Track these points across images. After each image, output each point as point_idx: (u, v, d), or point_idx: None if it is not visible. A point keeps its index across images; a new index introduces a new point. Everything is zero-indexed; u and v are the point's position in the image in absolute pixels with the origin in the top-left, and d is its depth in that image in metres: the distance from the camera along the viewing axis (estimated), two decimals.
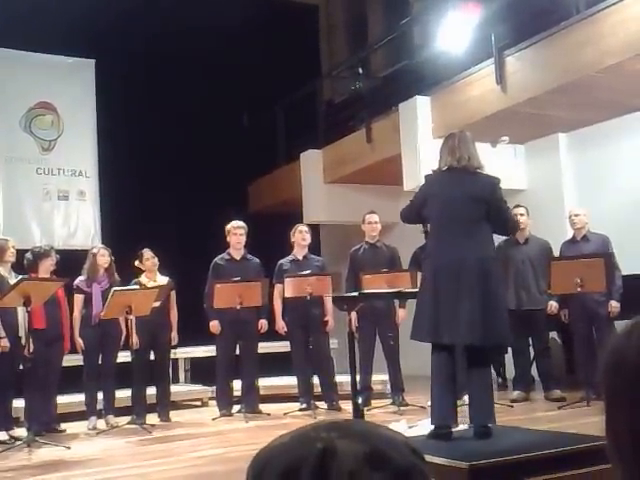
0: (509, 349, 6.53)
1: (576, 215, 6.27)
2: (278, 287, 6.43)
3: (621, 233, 6.25)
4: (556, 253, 6.35)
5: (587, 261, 5.60)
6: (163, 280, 6.42)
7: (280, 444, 0.69)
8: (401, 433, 0.72)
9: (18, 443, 5.19)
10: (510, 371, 6.74)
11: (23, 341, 5.34)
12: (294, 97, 9.24)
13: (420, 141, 7.30)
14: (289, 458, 0.66)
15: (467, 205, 3.81)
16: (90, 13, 7.79)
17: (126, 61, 8.22)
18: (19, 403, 5.64)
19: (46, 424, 5.73)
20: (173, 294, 6.47)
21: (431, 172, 4.10)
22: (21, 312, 5.39)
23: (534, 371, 6.56)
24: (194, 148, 8.79)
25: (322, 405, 6.27)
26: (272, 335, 6.65)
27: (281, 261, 6.62)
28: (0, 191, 8.22)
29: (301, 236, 6.60)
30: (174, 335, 6.42)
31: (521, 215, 6.39)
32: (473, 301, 3.68)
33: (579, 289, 5.53)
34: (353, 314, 5.28)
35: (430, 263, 3.88)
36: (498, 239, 6.40)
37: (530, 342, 6.44)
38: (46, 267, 5.89)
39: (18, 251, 5.87)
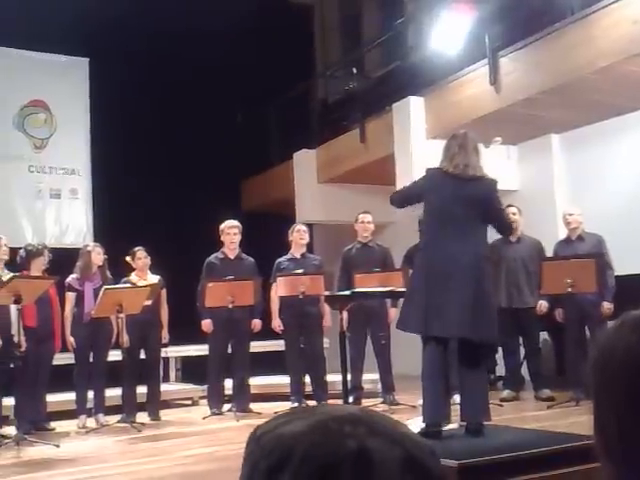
0: (499, 348, 6.55)
1: (570, 215, 6.28)
2: (275, 286, 6.43)
3: (613, 233, 6.27)
4: (549, 253, 6.38)
5: (578, 262, 5.62)
6: (154, 279, 6.40)
7: (299, 433, 0.64)
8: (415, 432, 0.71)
9: (7, 441, 5.15)
10: (500, 370, 6.76)
11: (15, 339, 5.31)
12: (288, 96, 9.24)
13: (413, 141, 7.31)
14: (321, 454, 0.62)
15: (462, 205, 3.85)
16: (84, 12, 7.76)
17: (120, 60, 8.19)
18: (8, 401, 5.62)
19: (36, 422, 5.70)
20: (164, 293, 6.46)
21: (433, 167, 4.10)
22: (14, 310, 5.36)
23: (524, 371, 6.58)
24: (187, 147, 8.77)
25: (313, 404, 6.27)
26: (264, 334, 6.65)
27: (279, 260, 6.63)
28: None
29: (299, 235, 6.61)
30: (164, 334, 6.41)
31: (513, 214, 6.42)
32: (463, 297, 3.70)
33: (570, 289, 5.54)
34: (344, 313, 5.29)
35: (422, 257, 3.92)
36: (492, 238, 6.47)
37: (521, 342, 6.46)
38: (38, 266, 5.87)
39: (10, 249, 5.85)
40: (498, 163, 7.67)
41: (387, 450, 0.63)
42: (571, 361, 6.01)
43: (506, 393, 6.27)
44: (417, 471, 0.63)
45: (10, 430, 5.43)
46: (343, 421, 0.65)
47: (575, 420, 4.64)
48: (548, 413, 5.43)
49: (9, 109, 8.38)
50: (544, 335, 6.95)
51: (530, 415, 5.49)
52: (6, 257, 5.77)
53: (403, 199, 4.19)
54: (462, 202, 3.85)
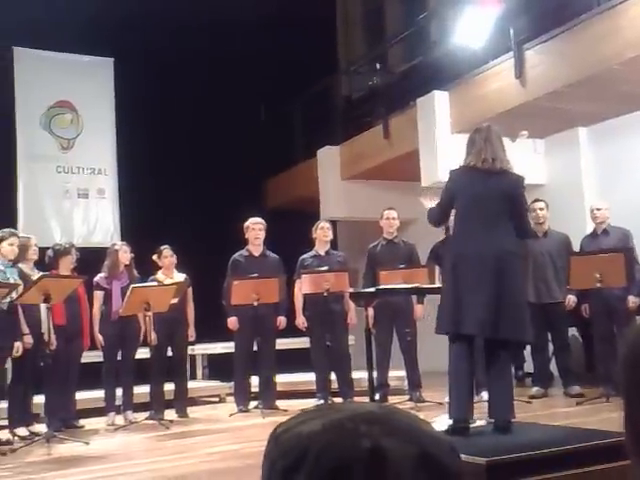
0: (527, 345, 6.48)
1: (598, 209, 6.21)
2: (299, 283, 6.42)
3: None
4: (576, 248, 6.30)
5: (607, 256, 5.54)
6: (180, 277, 6.44)
7: (315, 432, 0.65)
8: (435, 428, 0.70)
9: (38, 439, 5.22)
10: (529, 367, 6.69)
11: (45, 337, 5.38)
12: (311, 93, 9.23)
13: (438, 136, 7.26)
14: (335, 454, 0.62)
15: (490, 201, 3.82)
16: (108, 12, 7.83)
17: (144, 59, 8.25)
18: (39, 399, 5.70)
19: (65, 420, 5.78)
20: (190, 291, 6.51)
21: (457, 167, 4.07)
22: (44, 309, 5.43)
23: (553, 367, 6.50)
24: (211, 145, 8.81)
25: (339, 401, 6.26)
26: (290, 331, 6.66)
27: (303, 256, 6.62)
28: (21, 189, 8.31)
29: (323, 232, 6.60)
30: (191, 331, 6.46)
31: (540, 209, 6.35)
32: (485, 295, 3.68)
33: (598, 284, 5.47)
34: (370, 310, 5.28)
35: (450, 257, 3.91)
36: None
37: (549, 338, 6.39)
38: (66, 264, 5.94)
39: (39, 249, 5.93)
40: (525, 157, 7.60)
41: (401, 448, 0.62)
42: (600, 357, 5.93)
43: (535, 390, 6.21)
44: (432, 469, 0.63)
45: (41, 428, 5.50)
46: (359, 420, 0.65)
47: (606, 417, 4.57)
48: (578, 410, 5.36)
49: (36, 110, 8.49)
50: (573, 331, 6.87)
51: (559, 412, 5.43)
52: (36, 257, 5.85)
53: (441, 213, 4.10)
54: (490, 197, 3.82)
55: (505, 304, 3.70)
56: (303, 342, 6.77)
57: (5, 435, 5.33)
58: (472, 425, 3.80)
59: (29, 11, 7.61)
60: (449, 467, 0.64)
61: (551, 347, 6.46)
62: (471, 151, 3.95)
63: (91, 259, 6.36)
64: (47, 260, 5.97)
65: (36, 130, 8.48)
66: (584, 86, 6.10)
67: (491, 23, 6.67)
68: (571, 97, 6.37)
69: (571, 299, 6.15)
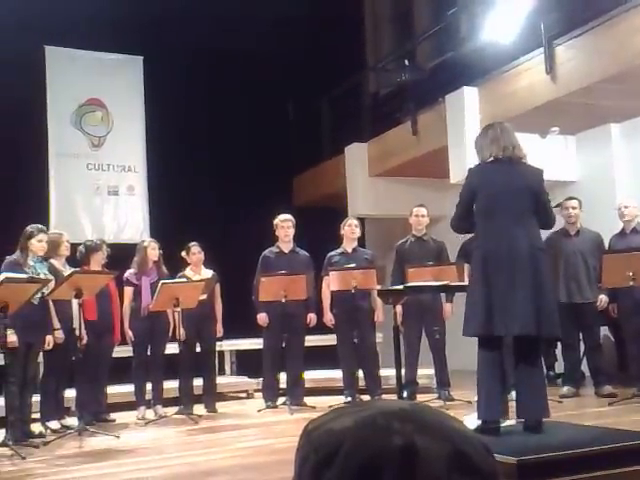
0: (559, 344, 6.41)
1: (626, 207, 6.12)
2: (327, 279, 6.43)
3: None
4: (606, 246, 6.21)
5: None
6: (208, 274, 6.49)
7: (347, 428, 0.65)
8: (469, 427, 0.69)
9: (70, 432, 5.31)
10: (560, 366, 6.62)
11: (77, 332, 5.45)
12: (339, 90, 9.22)
13: (467, 133, 7.19)
14: (367, 451, 0.62)
15: (515, 195, 3.76)
16: (137, 10, 7.90)
17: (173, 57, 8.31)
18: (70, 393, 5.78)
19: (96, 414, 5.86)
20: (218, 287, 6.55)
21: (474, 165, 4.03)
22: (75, 304, 5.50)
23: (584, 367, 6.42)
24: (240, 142, 8.85)
25: (367, 398, 6.25)
26: (318, 328, 6.67)
27: (330, 253, 6.63)
28: (52, 186, 8.42)
29: (350, 229, 6.60)
30: (219, 327, 6.50)
31: (573, 208, 6.25)
32: (526, 291, 3.62)
33: (631, 283, 5.38)
34: (398, 308, 5.25)
35: (479, 254, 3.82)
36: (547, 231, 6.32)
37: (580, 337, 6.31)
38: (97, 260, 6.02)
39: (70, 245, 6.00)
40: (556, 154, 7.53)
41: (434, 447, 0.62)
42: (633, 356, 5.85)
43: (566, 389, 6.14)
44: (465, 467, 0.62)
45: (72, 421, 5.59)
46: (391, 417, 0.65)
47: (638, 417, 4.51)
48: (610, 410, 5.29)
49: (67, 108, 8.59)
50: (605, 330, 6.78)
51: (591, 412, 5.36)
52: (67, 253, 5.93)
53: (460, 214, 3.94)
54: (513, 192, 3.75)
55: (544, 302, 3.65)
56: (331, 339, 6.77)
57: (38, 428, 5.42)
58: (502, 425, 3.77)
59: (60, 11, 7.70)
60: (483, 466, 0.63)
61: (582, 347, 6.39)
62: (484, 144, 3.87)
63: (121, 255, 6.42)
64: (78, 256, 6.05)
65: (67, 128, 8.58)
66: (616, 82, 6.01)
67: (521, 18, 6.59)
68: (603, 93, 6.27)
69: (603, 299, 6.07)
